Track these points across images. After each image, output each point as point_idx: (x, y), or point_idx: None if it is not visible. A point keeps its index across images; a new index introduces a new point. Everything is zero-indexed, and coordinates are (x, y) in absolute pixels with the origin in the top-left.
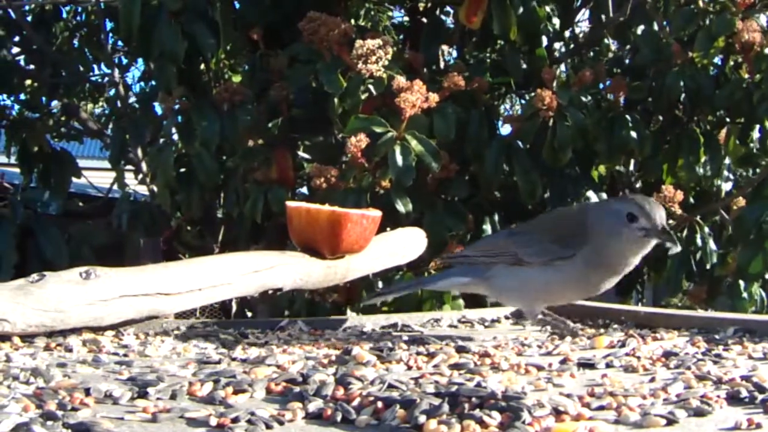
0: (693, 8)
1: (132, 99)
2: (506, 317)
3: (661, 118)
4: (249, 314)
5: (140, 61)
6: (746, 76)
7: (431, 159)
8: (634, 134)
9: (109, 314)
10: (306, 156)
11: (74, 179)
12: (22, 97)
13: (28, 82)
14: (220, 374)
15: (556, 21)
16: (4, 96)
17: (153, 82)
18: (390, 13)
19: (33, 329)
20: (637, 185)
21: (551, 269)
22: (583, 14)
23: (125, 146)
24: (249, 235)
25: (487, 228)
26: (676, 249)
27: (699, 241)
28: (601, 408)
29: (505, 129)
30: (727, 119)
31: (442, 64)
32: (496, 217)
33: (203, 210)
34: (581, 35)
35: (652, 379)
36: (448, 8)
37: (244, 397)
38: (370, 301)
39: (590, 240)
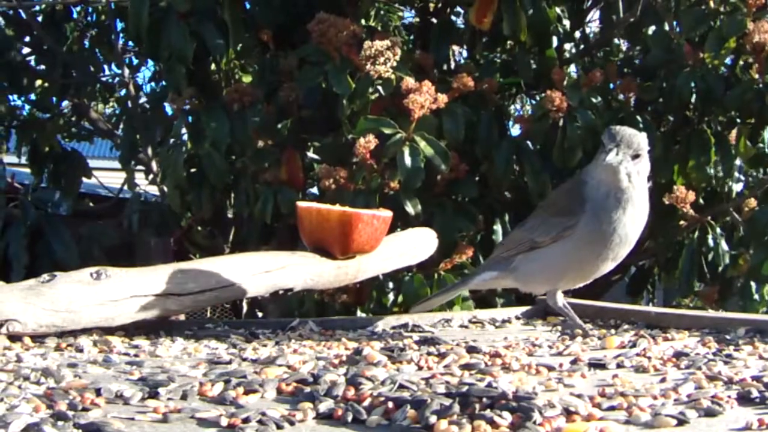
0: (704, 9)
1: (142, 99)
2: (517, 317)
3: (671, 118)
4: (260, 314)
5: (151, 61)
6: (757, 76)
7: (440, 160)
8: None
9: (120, 314)
10: (315, 157)
11: (85, 179)
12: (33, 97)
13: (39, 82)
14: (230, 374)
15: (566, 22)
16: (15, 96)
17: (163, 83)
18: (401, 14)
19: (44, 329)
20: (648, 185)
21: (562, 241)
22: (594, 15)
23: (136, 146)
24: (259, 235)
25: (498, 228)
26: (611, 159)
27: (711, 242)
28: (611, 408)
29: (516, 129)
30: (738, 120)
31: (452, 65)
32: (507, 218)
33: (213, 210)
34: (592, 36)
35: (663, 380)
36: (458, 8)
37: (255, 398)
38: (418, 309)
39: (588, 199)
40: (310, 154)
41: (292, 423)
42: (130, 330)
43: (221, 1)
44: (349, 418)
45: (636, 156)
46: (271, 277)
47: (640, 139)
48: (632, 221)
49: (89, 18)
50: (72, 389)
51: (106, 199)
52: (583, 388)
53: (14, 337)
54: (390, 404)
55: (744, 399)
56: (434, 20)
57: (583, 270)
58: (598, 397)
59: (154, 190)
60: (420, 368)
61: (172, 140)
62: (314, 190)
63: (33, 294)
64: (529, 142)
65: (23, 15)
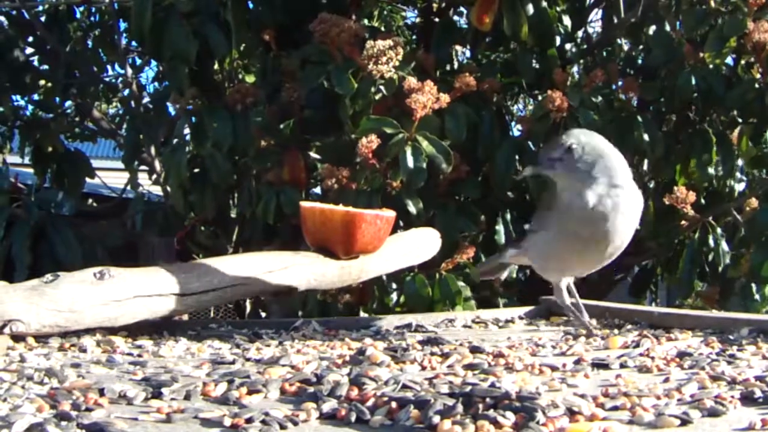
0: (704, 8)
1: (146, 99)
2: (520, 317)
3: (673, 118)
4: (263, 314)
5: (154, 61)
6: (758, 76)
7: (442, 160)
8: (646, 135)
9: (123, 314)
10: (318, 157)
11: (88, 179)
12: (36, 97)
13: (42, 82)
14: (234, 374)
15: (567, 21)
16: (18, 96)
17: (166, 83)
18: (403, 14)
19: (47, 329)
20: (650, 186)
21: (546, 231)
22: (595, 14)
23: (139, 146)
24: (262, 235)
25: (500, 228)
26: (526, 172)
27: (711, 242)
28: (615, 408)
29: (518, 129)
30: (740, 119)
31: (455, 65)
32: (509, 218)
33: (216, 210)
34: (594, 35)
35: (666, 380)
36: (461, 8)
37: (259, 398)
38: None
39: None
40: (313, 154)
41: (295, 423)
42: (133, 330)
43: (224, 1)
44: (353, 418)
45: (568, 150)
46: (274, 277)
47: (566, 136)
48: (616, 220)
49: (92, 18)
50: (75, 389)
51: (109, 199)
52: (587, 388)
53: (17, 337)
54: (393, 404)
55: (747, 399)
56: (437, 20)
57: (576, 262)
58: (602, 397)
59: (157, 190)
60: (423, 368)
61: (175, 140)
62: (317, 190)
63: (36, 294)
64: (530, 142)
65: (26, 15)
